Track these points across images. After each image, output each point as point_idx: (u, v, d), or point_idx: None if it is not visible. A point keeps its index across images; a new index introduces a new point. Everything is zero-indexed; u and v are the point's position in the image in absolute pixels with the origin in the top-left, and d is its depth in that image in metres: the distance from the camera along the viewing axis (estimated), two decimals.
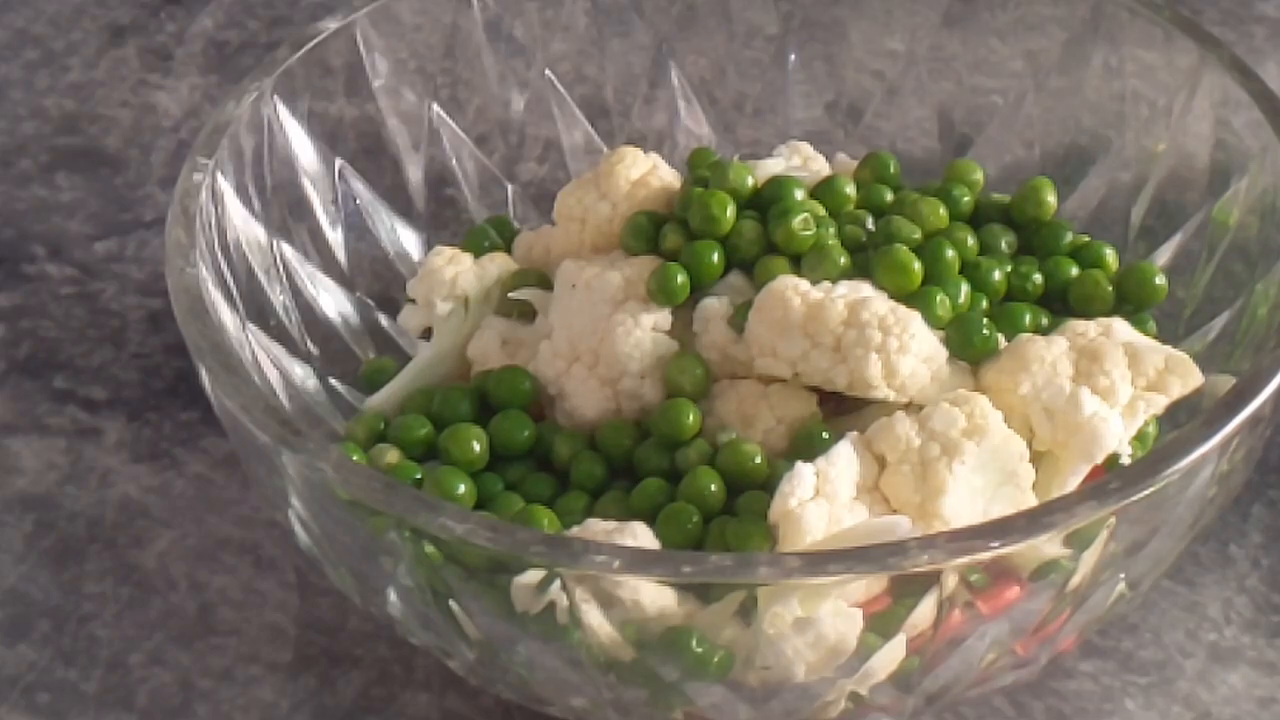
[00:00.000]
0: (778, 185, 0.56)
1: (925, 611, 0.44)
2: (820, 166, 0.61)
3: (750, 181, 0.56)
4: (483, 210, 0.65)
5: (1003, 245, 0.58)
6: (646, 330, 0.53)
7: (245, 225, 0.56)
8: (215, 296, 0.52)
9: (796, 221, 0.54)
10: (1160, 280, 0.57)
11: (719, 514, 0.50)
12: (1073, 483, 0.50)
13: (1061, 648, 0.49)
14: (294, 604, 0.57)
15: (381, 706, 0.54)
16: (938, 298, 0.52)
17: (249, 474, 0.52)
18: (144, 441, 0.63)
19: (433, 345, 0.57)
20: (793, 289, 0.51)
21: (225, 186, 0.55)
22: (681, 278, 0.54)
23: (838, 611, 0.44)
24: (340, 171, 0.61)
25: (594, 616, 0.44)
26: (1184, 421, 0.50)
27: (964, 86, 0.64)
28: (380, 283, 0.62)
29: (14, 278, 0.69)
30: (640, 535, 0.48)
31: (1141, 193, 0.60)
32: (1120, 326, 0.52)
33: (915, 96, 0.64)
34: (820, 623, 0.44)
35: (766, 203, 0.55)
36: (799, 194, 0.55)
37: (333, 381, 0.58)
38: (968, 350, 0.52)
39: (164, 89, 0.78)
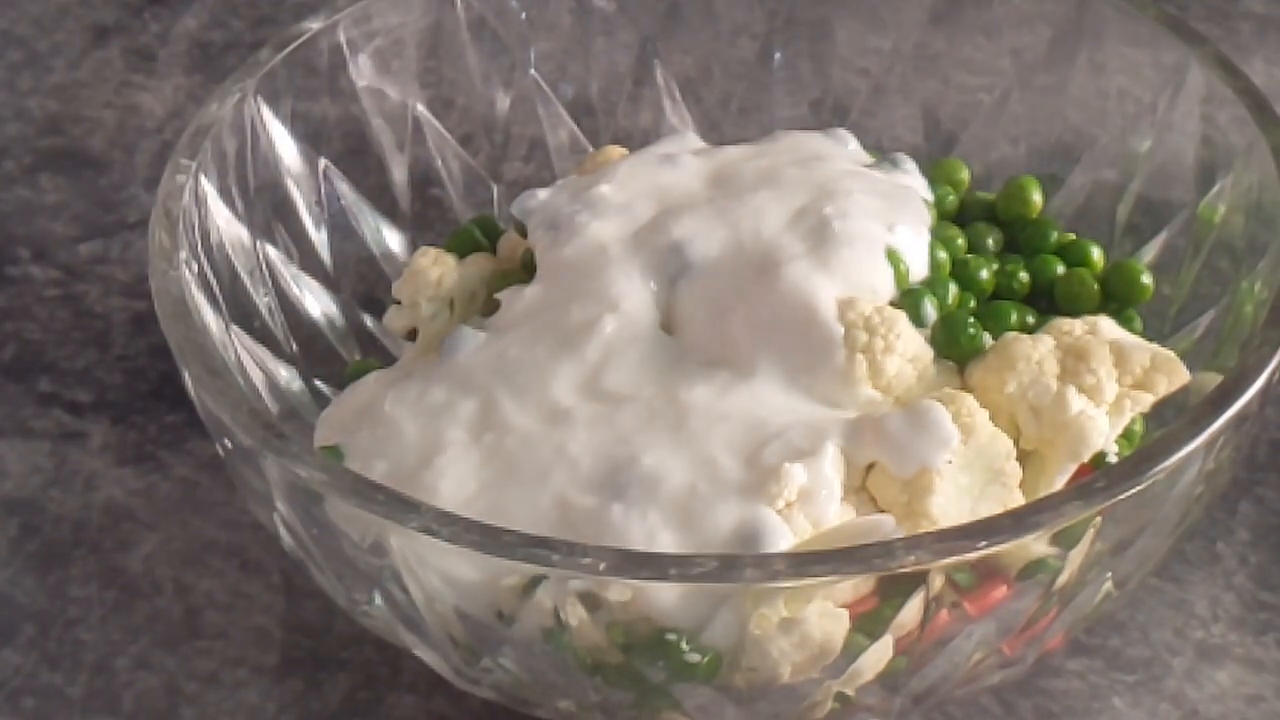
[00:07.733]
0: None
1: (912, 612, 0.44)
2: None
3: None
4: (468, 210, 0.64)
5: (989, 243, 0.58)
6: None
7: (229, 226, 0.56)
8: (199, 298, 0.52)
9: None
10: (1146, 278, 0.57)
11: None
12: (1059, 481, 0.50)
13: (1049, 647, 0.49)
14: (280, 607, 0.57)
15: (368, 709, 0.54)
16: (925, 298, 0.52)
17: (233, 477, 0.51)
18: (129, 444, 0.62)
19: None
20: None
21: (208, 188, 0.54)
22: None
23: (824, 612, 0.44)
24: (324, 172, 0.61)
25: (580, 618, 0.44)
26: (1170, 419, 0.50)
27: (950, 84, 0.64)
28: (365, 284, 0.61)
29: None
30: None
31: (1127, 190, 0.60)
32: (1106, 324, 0.52)
33: (901, 94, 0.64)
34: (806, 623, 0.44)
35: None
36: None
37: (317, 383, 0.58)
38: (954, 349, 0.52)
39: (148, 90, 0.78)
